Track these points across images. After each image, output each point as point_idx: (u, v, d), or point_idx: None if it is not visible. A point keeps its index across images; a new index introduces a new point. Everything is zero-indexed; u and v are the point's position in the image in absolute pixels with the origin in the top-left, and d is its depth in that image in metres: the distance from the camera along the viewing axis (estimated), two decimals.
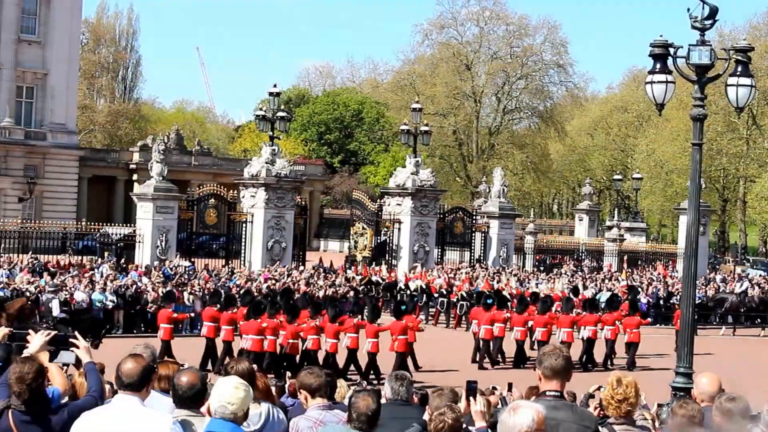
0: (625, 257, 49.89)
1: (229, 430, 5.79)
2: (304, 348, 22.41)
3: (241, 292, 28.19)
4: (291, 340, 21.92)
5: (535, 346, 26.46)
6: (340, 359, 22.61)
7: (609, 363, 27.00)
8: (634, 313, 28.18)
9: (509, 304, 29.16)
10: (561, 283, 37.76)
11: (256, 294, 27.64)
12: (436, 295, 35.51)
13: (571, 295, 30.64)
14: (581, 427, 6.39)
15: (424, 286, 35.91)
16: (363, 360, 22.73)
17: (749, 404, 6.84)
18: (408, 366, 22.72)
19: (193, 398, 6.29)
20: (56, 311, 23.54)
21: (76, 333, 7.12)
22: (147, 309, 29.75)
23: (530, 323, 26.97)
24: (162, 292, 29.99)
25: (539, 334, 26.22)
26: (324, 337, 22.49)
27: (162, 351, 22.58)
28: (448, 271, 39.71)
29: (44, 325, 22.15)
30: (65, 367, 7.40)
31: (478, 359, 26.32)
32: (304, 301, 25.49)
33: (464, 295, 34.09)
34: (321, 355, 22.48)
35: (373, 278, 37.24)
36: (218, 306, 24.09)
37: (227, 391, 5.88)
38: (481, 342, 26.37)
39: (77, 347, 6.87)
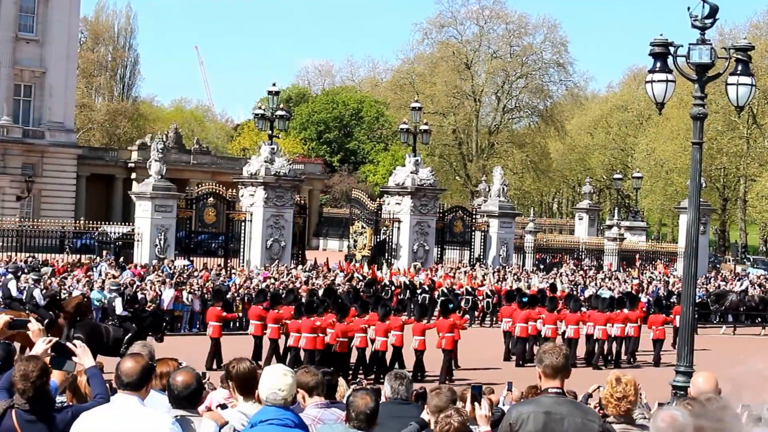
0: (636, 255, 50.16)
1: (281, 414, 6.11)
2: (351, 346, 22.89)
3: (285, 291, 28.42)
4: (340, 339, 22.35)
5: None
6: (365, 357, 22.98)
7: (633, 359, 27.49)
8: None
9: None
10: (537, 279, 38.14)
11: (299, 293, 28.02)
12: (419, 291, 35.69)
13: (548, 292, 31.27)
14: (586, 420, 6.40)
15: (407, 282, 36.11)
16: (409, 358, 23.05)
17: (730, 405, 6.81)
18: (452, 363, 23.43)
19: (188, 398, 6.32)
20: (119, 309, 23.64)
21: (76, 341, 7.06)
22: (146, 308, 29.70)
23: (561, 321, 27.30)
24: (160, 290, 30.00)
25: (571, 332, 26.75)
26: (371, 334, 22.90)
27: (211, 349, 23.24)
28: (433, 268, 39.83)
29: (110, 323, 22.27)
30: (69, 375, 7.38)
31: (515, 357, 26.65)
32: (348, 299, 26.02)
33: (444, 291, 34.31)
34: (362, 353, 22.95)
35: (356, 275, 37.22)
36: (265, 305, 24.52)
37: (277, 379, 6.19)
38: (517, 340, 26.73)
39: (76, 355, 6.82)
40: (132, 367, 6.09)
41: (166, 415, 6.03)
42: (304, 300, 24.57)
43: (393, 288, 35.43)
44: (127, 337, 21.65)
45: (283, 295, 25.69)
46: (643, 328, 28.39)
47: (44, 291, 28.43)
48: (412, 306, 30.69)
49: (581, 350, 27.10)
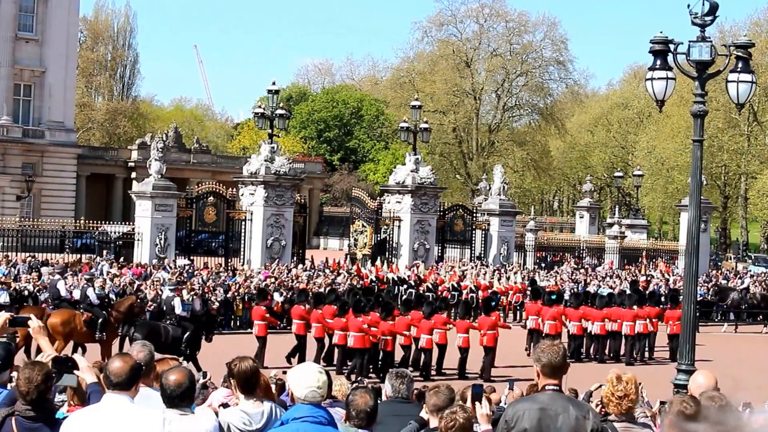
0: (644, 253, 50.22)
1: (315, 411, 6.13)
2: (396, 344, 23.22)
3: (326, 290, 28.91)
4: (385, 337, 22.75)
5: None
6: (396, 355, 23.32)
7: (650, 355, 27.86)
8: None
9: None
10: (519, 276, 38.42)
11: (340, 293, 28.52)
12: (405, 287, 35.83)
13: (530, 288, 31.99)
14: (580, 417, 6.37)
15: (396, 279, 36.34)
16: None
17: (730, 404, 6.80)
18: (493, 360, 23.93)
19: (181, 397, 6.33)
20: (179, 309, 23.79)
21: (78, 355, 7.06)
22: (147, 308, 29.77)
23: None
24: (161, 290, 29.97)
25: (597, 329, 27.30)
26: (413, 332, 23.37)
27: (259, 348, 23.60)
28: (417, 265, 39.99)
29: (168, 322, 22.58)
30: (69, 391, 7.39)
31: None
32: (389, 298, 26.58)
33: (429, 287, 34.70)
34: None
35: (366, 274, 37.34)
36: (306, 304, 25.12)
37: (314, 377, 6.16)
38: (545, 337, 26.96)
39: (78, 369, 6.82)
40: (121, 367, 6.08)
41: (155, 411, 6.01)
42: (346, 299, 25.05)
43: (378, 284, 35.65)
44: (185, 336, 22.07)
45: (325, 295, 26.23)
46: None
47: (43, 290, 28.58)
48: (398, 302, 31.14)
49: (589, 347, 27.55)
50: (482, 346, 23.75)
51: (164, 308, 25.03)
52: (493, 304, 25.92)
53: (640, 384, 8.28)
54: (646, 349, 28.21)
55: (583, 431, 6.30)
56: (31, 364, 6.43)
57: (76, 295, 28.58)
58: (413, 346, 23.50)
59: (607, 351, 27.79)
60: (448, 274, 37.76)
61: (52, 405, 6.51)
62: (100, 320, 22.52)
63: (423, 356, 23.22)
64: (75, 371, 6.77)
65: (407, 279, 36.50)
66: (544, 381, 6.50)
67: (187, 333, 22.12)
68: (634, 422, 7.25)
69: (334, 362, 23.52)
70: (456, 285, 35.76)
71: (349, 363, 23.00)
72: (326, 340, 24.43)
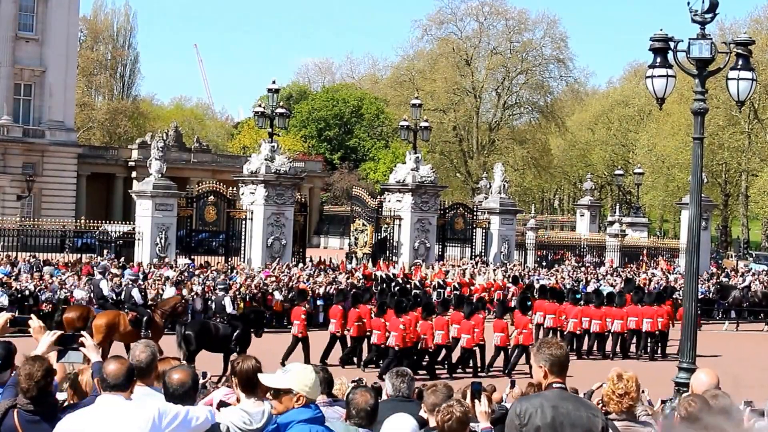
0: (644, 251, 50.26)
1: (319, 411, 6.07)
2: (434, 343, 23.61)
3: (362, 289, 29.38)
4: (424, 336, 23.16)
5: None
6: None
7: (662, 352, 28.05)
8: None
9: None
10: (500, 273, 38.62)
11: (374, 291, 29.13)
12: (393, 284, 35.99)
13: (512, 284, 32.94)
14: (590, 415, 6.41)
15: (383, 276, 36.57)
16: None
17: (731, 402, 6.79)
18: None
19: (183, 396, 6.34)
20: (229, 308, 24.11)
21: (84, 333, 7.05)
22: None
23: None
24: (162, 289, 29.97)
25: (618, 326, 27.74)
26: (452, 331, 23.89)
27: (304, 347, 24.08)
28: (404, 262, 40.42)
29: (218, 321, 22.92)
30: (72, 366, 7.39)
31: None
32: (426, 298, 27.09)
33: (416, 284, 35.14)
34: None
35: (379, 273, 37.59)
36: (343, 304, 25.65)
37: (309, 377, 6.07)
38: (570, 335, 27.52)
39: (84, 346, 6.84)
40: (117, 369, 6.09)
41: (147, 410, 5.98)
42: (385, 299, 25.49)
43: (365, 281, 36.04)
44: (235, 334, 22.30)
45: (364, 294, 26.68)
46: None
47: (43, 290, 28.63)
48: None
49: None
50: (516, 345, 24.35)
51: (214, 307, 25.56)
52: (529, 304, 26.44)
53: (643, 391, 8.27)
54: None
55: (595, 429, 6.32)
56: (31, 359, 6.43)
57: (77, 294, 28.69)
58: (451, 346, 23.96)
59: (632, 348, 28.36)
60: (432, 271, 38.17)
61: (53, 399, 6.52)
62: (144, 319, 22.87)
63: (463, 355, 23.84)
64: (81, 349, 6.81)
65: (395, 276, 36.70)
66: (551, 379, 6.49)
67: (237, 331, 22.41)
68: (635, 421, 7.24)
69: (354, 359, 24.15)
70: (441, 282, 36.02)
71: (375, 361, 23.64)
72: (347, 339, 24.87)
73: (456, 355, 24.11)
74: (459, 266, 40.08)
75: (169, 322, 23.90)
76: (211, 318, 24.62)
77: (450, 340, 23.65)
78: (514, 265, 43.16)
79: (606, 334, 27.86)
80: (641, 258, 50.17)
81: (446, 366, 23.74)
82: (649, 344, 28.17)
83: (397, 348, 22.62)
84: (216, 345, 21.79)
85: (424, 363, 23.43)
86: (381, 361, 23.28)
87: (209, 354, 23.22)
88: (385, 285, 35.28)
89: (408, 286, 35.07)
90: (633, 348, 28.52)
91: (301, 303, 25.64)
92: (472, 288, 35.11)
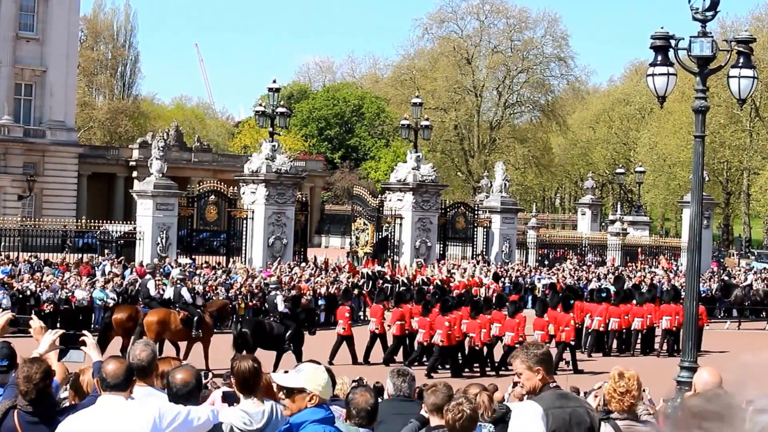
0: (639, 249, 50.30)
1: (330, 413, 6.03)
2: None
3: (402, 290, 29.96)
4: (471, 334, 23.75)
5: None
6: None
7: (676, 350, 28.21)
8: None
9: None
10: (478, 269, 39.03)
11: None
12: (381, 282, 36.78)
13: (493, 281, 33.96)
14: (591, 411, 6.46)
15: (369, 273, 37.21)
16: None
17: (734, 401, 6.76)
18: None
19: (187, 396, 6.35)
20: (281, 307, 24.44)
21: (85, 331, 7.06)
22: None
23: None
24: (162, 290, 29.96)
25: (638, 324, 28.53)
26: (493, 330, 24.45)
27: (350, 346, 24.70)
28: (390, 260, 40.86)
29: (271, 319, 23.32)
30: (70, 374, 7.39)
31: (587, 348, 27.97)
32: (469, 297, 27.63)
33: (404, 281, 35.92)
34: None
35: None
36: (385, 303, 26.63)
37: (321, 377, 6.04)
38: (595, 334, 28.23)
39: (85, 345, 6.83)
40: (116, 368, 6.06)
41: (148, 410, 5.97)
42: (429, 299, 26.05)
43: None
44: (288, 333, 22.68)
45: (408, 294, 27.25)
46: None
47: (44, 291, 28.62)
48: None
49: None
50: (558, 342, 24.83)
51: (266, 306, 26.07)
52: (571, 302, 26.90)
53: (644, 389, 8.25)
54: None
55: (595, 425, 6.34)
56: (30, 361, 6.42)
57: (79, 294, 28.69)
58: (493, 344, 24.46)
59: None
60: (413, 269, 38.96)
61: (52, 399, 6.51)
62: (195, 318, 23.14)
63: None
64: (82, 348, 6.79)
65: (383, 274, 37.26)
66: (548, 379, 6.47)
67: (289, 330, 22.75)
68: (637, 420, 7.22)
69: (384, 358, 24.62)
70: (426, 279, 36.53)
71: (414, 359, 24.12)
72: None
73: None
74: (441, 265, 40.51)
75: (215, 322, 24.48)
76: (265, 317, 25.08)
77: (491, 338, 24.26)
78: (514, 265, 43.15)
79: (623, 331, 28.67)
80: (637, 257, 50.21)
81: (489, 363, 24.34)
82: (665, 341, 28.84)
83: (441, 346, 23.19)
84: (270, 343, 22.22)
85: (461, 362, 24.01)
86: (425, 359, 23.91)
87: (212, 352, 23.27)
88: (372, 282, 35.80)
89: (397, 283, 35.89)
90: (637, 346, 28.81)
91: (346, 302, 26.32)
92: (452, 285, 35.65)
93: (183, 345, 23.21)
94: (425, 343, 23.72)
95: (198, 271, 33.60)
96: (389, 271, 38.35)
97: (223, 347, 22.56)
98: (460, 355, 24.18)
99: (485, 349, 24.23)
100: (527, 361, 6.50)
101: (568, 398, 6.47)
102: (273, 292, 25.85)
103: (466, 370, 23.94)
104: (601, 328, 28.07)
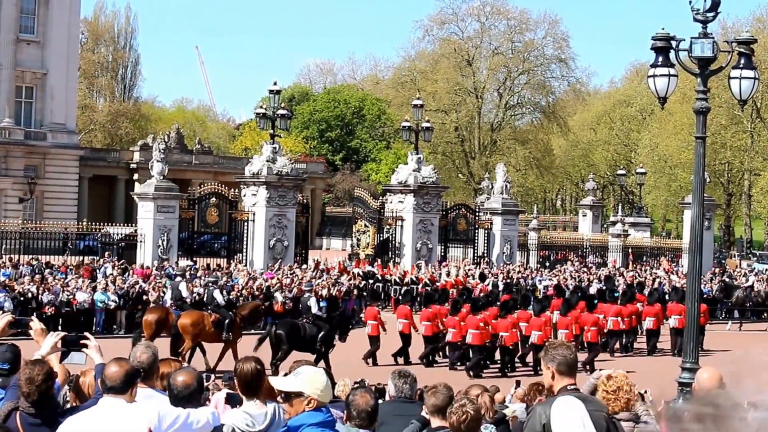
0: (629, 251, 50.05)
1: (329, 415, 6.00)
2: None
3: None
4: (503, 333, 24.24)
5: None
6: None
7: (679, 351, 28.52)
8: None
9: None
10: (462, 270, 39.32)
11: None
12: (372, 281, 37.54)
13: (479, 282, 34.54)
14: (602, 413, 6.45)
15: (360, 273, 37.60)
16: None
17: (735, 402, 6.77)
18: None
19: (188, 398, 6.32)
20: (314, 309, 24.64)
21: (87, 333, 7.05)
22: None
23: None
24: (163, 291, 29.97)
25: (650, 323, 29.25)
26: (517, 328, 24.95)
27: (373, 347, 25.15)
28: (379, 261, 41.14)
29: (305, 321, 23.31)
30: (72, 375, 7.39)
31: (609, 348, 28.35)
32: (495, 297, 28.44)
33: (393, 280, 37.17)
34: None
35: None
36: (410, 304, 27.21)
37: (320, 380, 6.01)
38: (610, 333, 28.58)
39: (87, 347, 6.84)
40: (116, 371, 6.07)
41: (147, 411, 5.96)
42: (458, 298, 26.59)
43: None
44: (321, 335, 22.88)
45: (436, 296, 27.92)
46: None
47: (46, 292, 28.61)
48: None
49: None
50: (586, 342, 25.47)
51: (300, 307, 26.27)
52: (596, 303, 27.66)
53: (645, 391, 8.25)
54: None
55: (609, 426, 6.35)
56: (32, 363, 6.43)
57: (80, 297, 28.65)
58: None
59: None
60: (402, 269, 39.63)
61: (55, 400, 6.51)
62: (227, 321, 23.37)
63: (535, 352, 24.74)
64: (84, 350, 6.79)
65: (372, 274, 37.73)
66: (562, 381, 6.45)
67: (322, 332, 22.93)
68: (637, 421, 7.23)
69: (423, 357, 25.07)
70: (414, 279, 37.27)
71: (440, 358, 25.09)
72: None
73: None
74: (423, 264, 41.04)
75: (246, 325, 24.78)
76: (299, 318, 25.21)
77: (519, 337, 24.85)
78: (514, 266, 43.12)
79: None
80: (644, 258, 50.21)
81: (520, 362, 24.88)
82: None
83: (472, 345, 23.74)
84: (304, 345, 22.49)
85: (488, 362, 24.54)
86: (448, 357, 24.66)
87: (215, 356, 23.27)
88: (362, 282, 36.06)
89: (387, 282, 36.78)
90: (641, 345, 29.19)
91: (374, 303, 27.21)
92: (438, 284, 36.22)
93: (209, 346, 23.38)
94: (458, 343, 24.38)
95: (199, 274, 33.60)
96: (379, 271, 38.71)
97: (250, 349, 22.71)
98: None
99: (514, 348, 24.79)
100: (543, 359, 6.56)
101: (587, 402, 6.45)
102: (306, 294, 26.13)
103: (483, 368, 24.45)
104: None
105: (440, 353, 25.77)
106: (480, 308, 24.32)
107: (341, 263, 39.65)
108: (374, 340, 25.24)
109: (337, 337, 23.52)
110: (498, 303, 26.25)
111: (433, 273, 38.52)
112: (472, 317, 23.93)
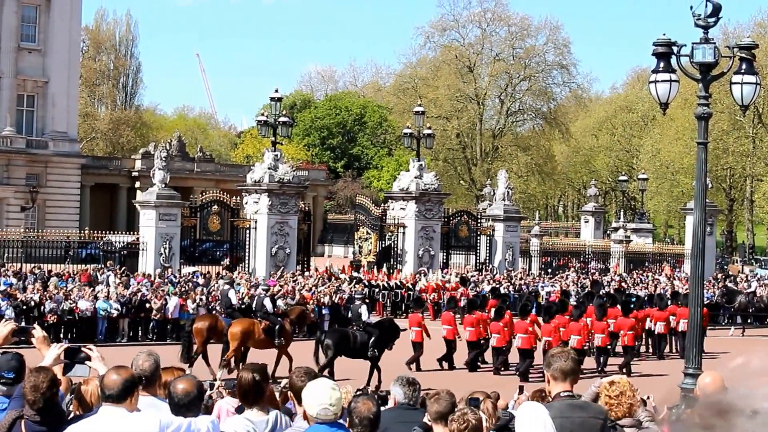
0: (617, 257, 50.12)
1: (332, 430, 6.00)
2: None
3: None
4: (547, 338, 24.60)
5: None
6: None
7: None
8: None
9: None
10: (440, 274, 39.88)
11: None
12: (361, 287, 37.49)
13: (461, 286, 35.07)
14: (597, 420, 6.44)
15: (348, 279, 37.91)
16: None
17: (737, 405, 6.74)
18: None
19: (188, 405, 6.33)
20: (365, 316, 24.88)
21: (90, 345, 7.06)
22: (152, 317, 29.83)
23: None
24: (165, 299, 29.97)
25: (661, 328, 29.40)
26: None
27: (417, 352, 25.51)
28: (364, 266, 41.88)
29: (355, 328, 23.52)
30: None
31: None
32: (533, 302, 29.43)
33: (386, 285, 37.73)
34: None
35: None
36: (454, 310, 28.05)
37: (326, 394, 6.02)
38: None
39: (90, 359, 6.82)
40: (115, 380, 6.03)
41: (148, 420, 5.95)
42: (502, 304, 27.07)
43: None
44: (371, 341, 22.96)
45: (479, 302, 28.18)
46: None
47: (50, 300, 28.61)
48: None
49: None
50: (597, 347, 25.70)
51: (350, 315, 26.52)
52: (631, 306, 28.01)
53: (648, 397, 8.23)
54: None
55: None
56: (36, 371, 6.42)
57: (82, 305, 28.63)
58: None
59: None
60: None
61: (60, 408, 6.51)
62: (277, 327, 23.65)
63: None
64: (87, 362, 6.78)
65: (361, 278, 37.98)
66: (557, 387, 6.43)
67: (373, 338, 23.07)
68: (640, 426, 7.22)
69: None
70: (399, 283, 38.08)
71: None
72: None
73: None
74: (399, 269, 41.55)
75: (295, 329, 25.12)
76: (349, 326, 25.36)
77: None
78: (517, 273, 43.07)
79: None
80: (646, 264, 50.26)
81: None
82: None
83: (524, 349, 24.13)
84: (355, 352, 22.76)
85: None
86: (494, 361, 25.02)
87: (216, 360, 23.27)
88: (353, 287, 36.21)
89: (376, 288, 37.13)
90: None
91: (418, 310, 27.30)
92: (419, 288, 37.16)
93: (258, 352, 23.40)
94: (503, 348, 24.85)
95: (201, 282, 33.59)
96: (366, 277, 39.04)
97: (304, 355, 22.78)
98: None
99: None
100: (544, 368, 6.55)
101: (583, 408, 6.43)
102: (357, 302, 26.38)
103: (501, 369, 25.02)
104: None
105: (483, 358, 26.26)
106: (528, 313, 25.09)
107: (327, 269, 39.68)
108: (418, 346, 25.50)
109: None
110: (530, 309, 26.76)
111: (412, 279, 39.29)
112: (519, 322, 24.56)
